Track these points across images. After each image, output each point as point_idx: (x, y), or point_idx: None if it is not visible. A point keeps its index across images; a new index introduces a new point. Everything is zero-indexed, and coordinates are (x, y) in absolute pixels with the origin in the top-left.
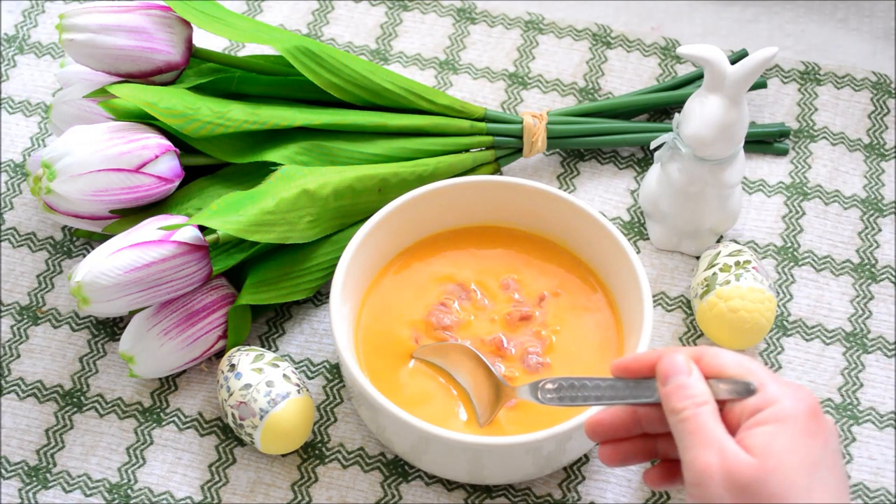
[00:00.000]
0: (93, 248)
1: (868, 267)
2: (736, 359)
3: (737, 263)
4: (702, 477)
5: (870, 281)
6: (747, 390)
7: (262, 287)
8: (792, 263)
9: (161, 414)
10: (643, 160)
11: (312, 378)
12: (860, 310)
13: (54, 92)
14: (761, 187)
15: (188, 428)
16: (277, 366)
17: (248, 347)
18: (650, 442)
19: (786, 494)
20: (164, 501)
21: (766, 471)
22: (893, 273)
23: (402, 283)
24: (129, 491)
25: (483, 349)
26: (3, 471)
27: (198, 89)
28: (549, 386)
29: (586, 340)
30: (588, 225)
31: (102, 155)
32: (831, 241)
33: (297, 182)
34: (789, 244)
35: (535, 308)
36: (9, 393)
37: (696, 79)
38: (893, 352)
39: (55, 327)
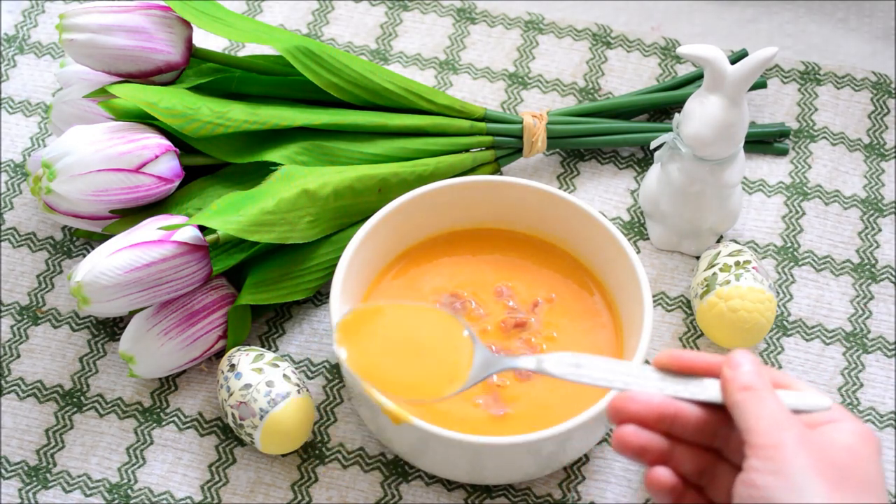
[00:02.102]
0: (93, 248)
1: (868, 267)
2: (804, 383)
3: (737, 263)
4: (773, 451)
5: (870, 281)
6: (821, 403)
7: (262, 287)
8: (792, 263)
9: (161, 414)
10: (643, 160)
11: (312, 378)
12: (860, 310)
13: (54, 92)
14: (761, 187)
15: (188, 428)
16: (277, 366)
17: (248, 347)
18: (668, 445)
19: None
20: (164, 501)
21: (856, 457)
22: (893, 273)
23: (398, 291)
24: (129, 491)
25: None
26: (3, 471)
27: (198, 89)
28: (572, 360)
29: (583, 345)
30: (588, 225)
31: (102, 155)
32: (831, 241)
33: (297, 182)
34: (789, 244)
35: (529, 315)
36: (9, 393)
37: (696, 79)
38: (893, 352)
39: (55, 327)
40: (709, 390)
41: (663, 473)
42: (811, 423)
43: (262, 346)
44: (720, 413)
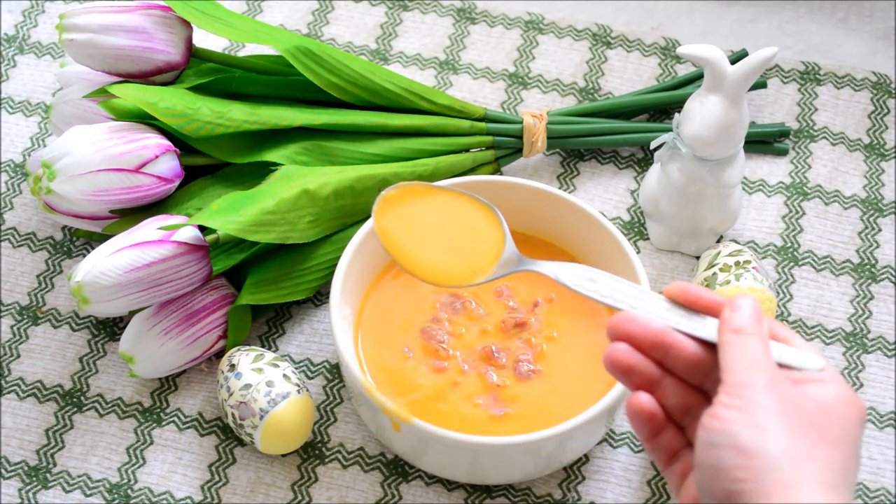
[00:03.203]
0: (93, 248)
1: (868, 267)
2: (804, 342)
3: (737, 263)
4: (742, 389)
5: (870, 281)
6: (813, 363)
7: (262, 287)
8: (792, 263)
9: (161, 414)
10: (643, 160)
11: (312, 378)
12: (860, 310)
13: (54, 92)
14: (761, 187)
15: (188, 428)
16: (277, 366)
17: (248, 347)
18: (658, 373)
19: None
20: (164, 501)
21: (829, 413)
22: (893, 273)
23: (398, 291)
24: (129, 491)
25: (475, 359)
26: (3, 471)
27: (198, 89)
28: (587, 274)
29: (582, 345)
30: (588, 225)
31: (102, 155)
32: (831, 241)
33: (297, 182)
34: (789, 244)
35: (529, 315)
36: (9, 393)
37: (696, 79)
38: (893, 352)
39: (55, 327)
40: (708, 329)
41: (645, 399)
42: (799, 379)
43: (262, 346)
44: (716, 355)
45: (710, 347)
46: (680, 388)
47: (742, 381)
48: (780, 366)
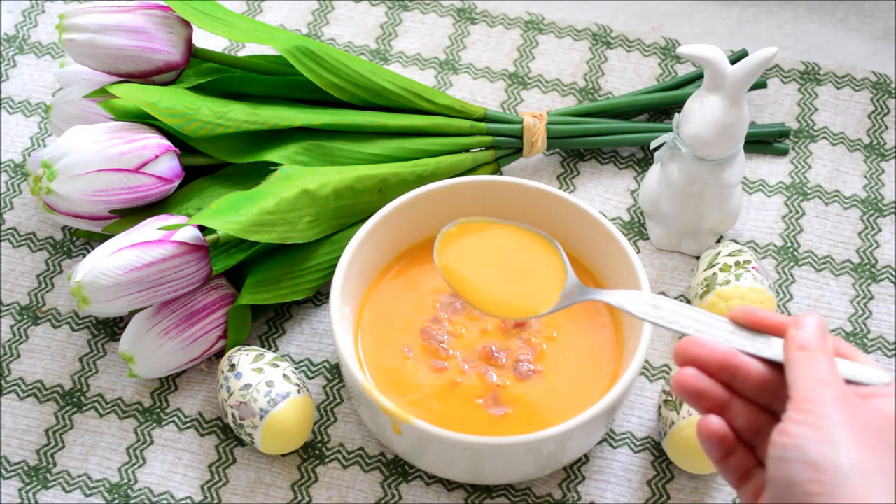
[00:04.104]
0: (93, 248)
1: (868, 267)
2: (868, 358)
3: (737, 263)
4: (811, 405)
5: (870, 281)
6: (879, 378)
7: (262, 287)
8: (792, 263)
9: (161, 414)
10: (643, 160)
11: (312, 378)
12: (860, 310)
13: (54, 92)
14: (761, 187)
15: (188, 428)
16: (277, 366)
17: (248, 347)
18: (726, 396)
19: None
20: (164, 501)
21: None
22: (893, 273)
23: (398, 291)
24: (129, 491)
25: (475, 359)
26: (3, 471)
27: (198, 89)
28: (651, 301)
29: (582, 345)
30: (588, 225)
31: (102, 155)
32: (831, 241)
33: (297, 182)
34: (789, 244)
35: None
36: (9, 393)
37: (696, 79)
38: (893, 352)
39: (55, 327)
40: (774, 348)
41: (715, 421)
42: (866, 394)
43: (262, 346)
44: (782, 374)
45: (777, 367)
46: (749, 409)
47: (811, 397)
48: (847, 382)
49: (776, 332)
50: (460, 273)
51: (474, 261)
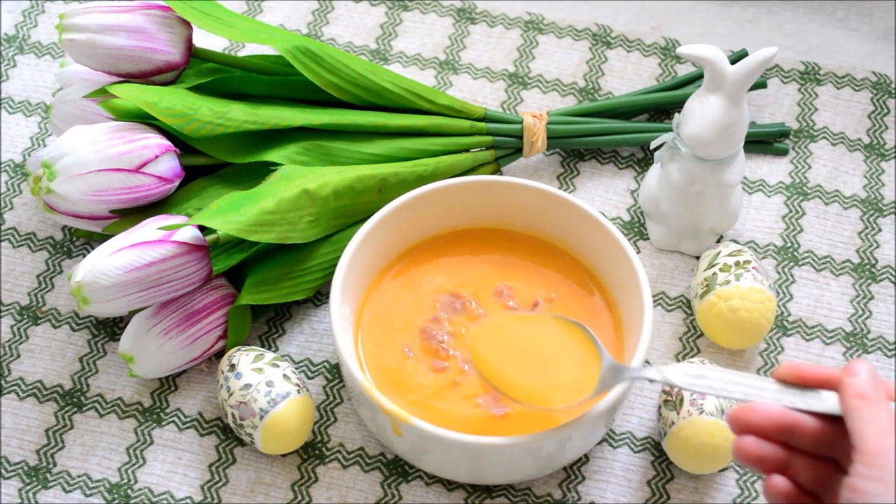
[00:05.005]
0: (93, 248)
1: (868, 267)
2: None
3: (737, 263)
4: (878, 457)
5: (870, 281)
6: None
7: (262, 287)
8: (792, 263)
9: (161, 414)
10: (643, 160)
11: (312, 378)
12: (860, 310)
13: (54, 92)
14: (761, 187)
15: (188, 428)
16: (277, 366)
17: (248, 347)
18: (786, 455)
19: None
20: (164, 501)
21: None
22: (893, 273)
23: (398, 291)
24: (129, 491)
25: None
26: (3, 471)
27: (198, 89)
28: (695, 371)
29: None
30: (588, 225)
31: (102, 155)
32: (831, 241)
33: (297, 182)
34: (789, 244)
35: None
36: (9, 393)
37: (696, 79)
38: (893, 352)
39: (55, 327)
40: (826, 401)
41: (780, 482)
42: None
43: (262, 346)
44: (837, 424)
45: (831, 419)
46: (810, 463)
47: (876, 448)
48: None
49: (824, 384)
50: (497, 369)
51: (509, 356)
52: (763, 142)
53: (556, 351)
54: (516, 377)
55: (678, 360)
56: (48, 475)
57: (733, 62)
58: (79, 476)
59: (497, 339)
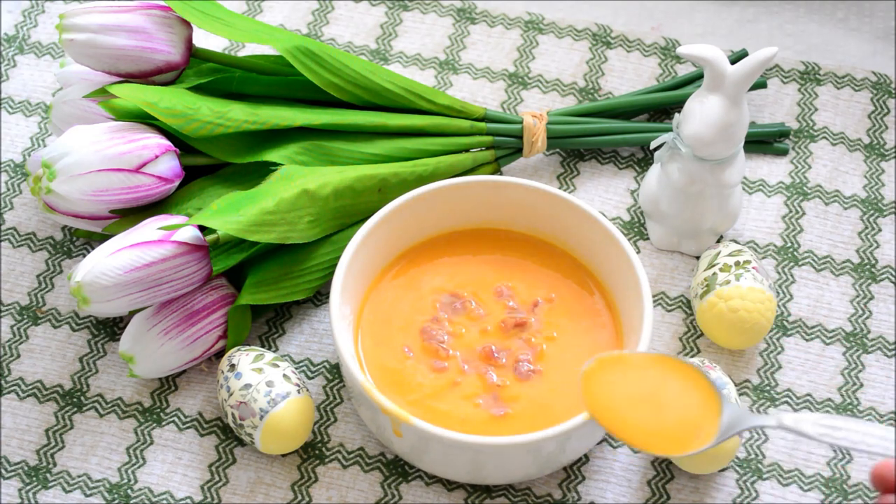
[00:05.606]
0: (93, 248)
1: (868, 267)
2: None
3: (737, 263)
4: None
5: (870, 281)
6: None
7: (262, 287)
8: (792, 263)
9: (161, 414)
10: (643, 160)
11: (312, 378)
12: (860, 310)
13: (54, 92)
14: (761, 187)
15: (188, 428)
16: (277, 366)
17: (248, 347)
18: None
19: None
20: (164, 501)
21: None
22: (893, 273)
23: (398, 291)
24: (129, 491)
25: (475, 359)
26: (3, 471)
27: (198, 89)
28: (828, 422)
29: (582, 345)
30: (588, 225)
31: (102, 155)
32: (831, 241)
33: (297, 182)
34: (789, 244)
35: (529, 315)
36: (9, 393)
37: (696, 79)
38: (893, 352)
39: (55, 327)
40: None
41: None
42: None
43: (262, 346)
44: None
45: None
46: None
47: None
48: None
49: None
50: (613, 414)
51: (623, 398)
52: (763, 142)
53: (671, 391)
54: (634, 421)
55: None
56: (48, 475)
57: (733, 62)
58: (79, 476)
59: (607, 382)
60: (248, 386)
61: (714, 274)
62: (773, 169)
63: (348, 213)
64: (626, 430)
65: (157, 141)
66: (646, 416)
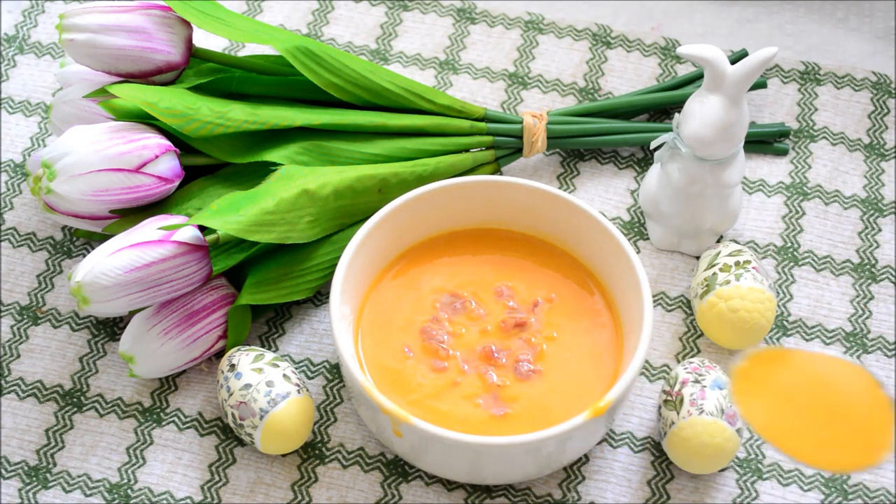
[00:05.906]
0: (93, 248)
1: (868, 267)
2: None
3: (737, 263)
4: None
5: (870, 281)
6: None
7: (262, 287)
8: (792, 263)
9: (161, 414)
10: (643, 160)
11: (312, 378)
12: (860, 310)
13: (54, 92)
14: (761, 187)
15: (188, 428)
16: (277, 366)
17: (248, 347)
18: None
19: None
20: (164, 501)
21: None
22: (893, 273)
23: (398, 291)
24: (129, 491)
25: (475, 359)
26: (3, 471)
27: (198, 89)
28: None
29: (582, 345)
30: (588, 225)
31: (102, 155)
32: (831, 241)
33: (297, 182)
34: (789, 244)
35: (529, 315)
36: (9, 393)
37: (696, 79)
38: (893, 352)
39: (55, 327)
40: None
41: None
42: None
43: (262, 346)
44: None
45: None
46: None
47: None
48: None
49: None
50: (773, 421)
51: (784, 404)
52: (763, 142)
53: (837, 396)
54: (801, 432)
55: (678, 361)
56: (48, 475)
57: (733, 62)
58: (79, 476)
59: (764, 380)
60: (248, 386)
61: (714, 274)
62: (773, 169)
63: (348, 213)
64: (795, 444)
65: (157, 141)
66: (815, 427)
